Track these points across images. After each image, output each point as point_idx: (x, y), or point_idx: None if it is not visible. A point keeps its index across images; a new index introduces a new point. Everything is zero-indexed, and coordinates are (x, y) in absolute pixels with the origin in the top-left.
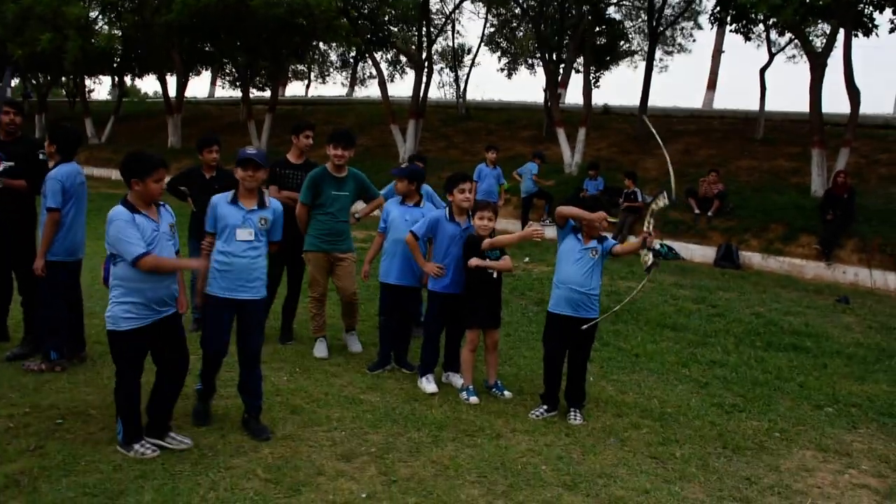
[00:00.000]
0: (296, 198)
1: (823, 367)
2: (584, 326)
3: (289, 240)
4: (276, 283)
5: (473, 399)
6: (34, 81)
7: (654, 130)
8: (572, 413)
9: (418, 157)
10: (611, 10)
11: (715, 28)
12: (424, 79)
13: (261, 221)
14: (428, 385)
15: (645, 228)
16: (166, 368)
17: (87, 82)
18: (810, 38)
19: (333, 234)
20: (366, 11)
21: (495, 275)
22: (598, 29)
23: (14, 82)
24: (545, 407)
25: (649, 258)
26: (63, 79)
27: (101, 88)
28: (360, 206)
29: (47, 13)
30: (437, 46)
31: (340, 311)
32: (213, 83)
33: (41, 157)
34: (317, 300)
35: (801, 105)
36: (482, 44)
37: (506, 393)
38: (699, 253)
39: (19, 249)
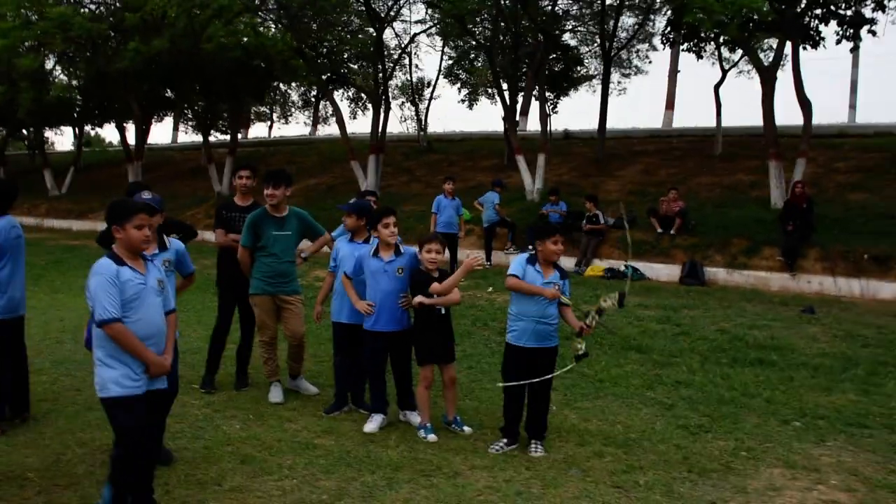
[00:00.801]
0: None
1: (790, 381)
2: (549, 376)
3: (240, 283)
4: (225, 329)
5: (431, 437)
6: None
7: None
8: (533, 445)
9: (369, 192)
10: (566, 37)
11: (668, 48)
12: (383, 114)
13: (164, 263)
14: (368, 425)
15: (586, 321)
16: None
17: (48, 133)
18: (759, 52)
19: (278, 275)
20: (323, 51)
21: (443, 310)
22: (553, 56)
23: None
24: (505, 440)
25: (581, 348)
26: (24, 131)
27: (63, 139)
28: (306, 244)
29: (0, 66)
30: (395, 81)
31: (287, 354)
32: (175, 129)
33: None
34: (267, 344)
35: (758, 119)
36: (440, 76)
37: (465, 428)
38: (664, 272)
39: None
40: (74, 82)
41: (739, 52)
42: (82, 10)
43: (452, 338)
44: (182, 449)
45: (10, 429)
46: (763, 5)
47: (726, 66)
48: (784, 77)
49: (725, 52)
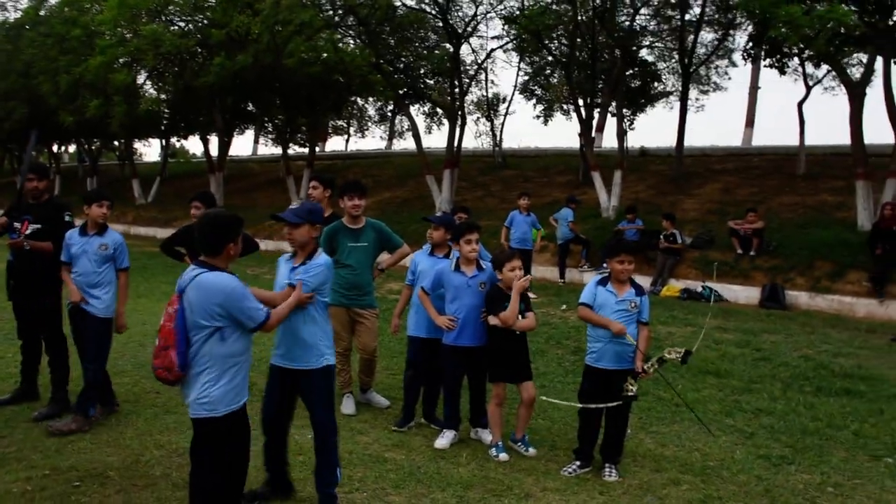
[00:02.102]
0: None
1: (880, 413)
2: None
3: None
4: None
5: (503, 456)
6: (86, 147)
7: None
8: (607, 469)
9: (462, 208)
10: (643, 52)
11: (749, 64)
12: (458, 129)
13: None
14: (440, 440)
15: (646, 365)
16: None
17: (137, 145)
18: (847, 67)
19: (353, 287)
20: (401, 66)
21: (517, 332)
22: (630, 71)
23: (72, 148)
24: (578, 463)
25: (633, 390)
26: (115, 143)
27: (150, 151)
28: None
29: (97, 81)
30: (471, 96)
31: (358, 367)
32: (255, 141)
33: (67, 219)
34: (341, 355)
35: (844, 138)
36: (516, 92)
37: (530, 450)
38: (743, 294)
39: (44, 311)
40: (163, 96)
41: (825, 67)
42: (172, 28)
43: (527, 356)
44: (254, 456)
45: (92, 427)
46: (852, 18)
47: (811, 83)
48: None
49: (810, 68)
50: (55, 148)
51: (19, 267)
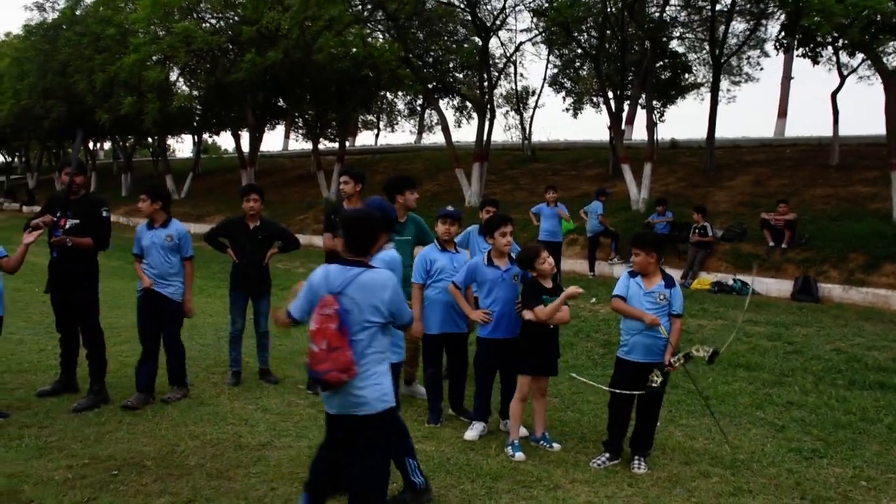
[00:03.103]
0: None
1: None
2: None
3: None
4: None
5: (519, 455)
6: (120, 143)
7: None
8: (636, 461)
9: (491, 201)
10: (673, 44)
11: (781, 54)
12: (487, 122)
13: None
14: (469, 432)
15: (674, 359)
16: None
17: (170, 141)
18: (883, 56)
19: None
20: (430, 60)
21: (552, 325)
22: (660, 63)
23: (107, 145)
24: (607, 455)
25: (657, 381)
26: (149, 139)
27: (183, 147)
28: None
29: (131, 78)
30: (500, 90)
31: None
32: (286, 136)
33: (104, 214)
34: None
35: (879, 128)
36: (545, 85)
37: (555, 445)
38: (775, 287)
39: (84, 304)
40: (195, 93)
41: (860, 56)
42: (204, 25)
43: (558, 351)
44: (286, 447)
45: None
46: (888, 5)
47: (845, 72)
48: None
49: (844, 57)
50: (91, 145)
51: (58, 261)
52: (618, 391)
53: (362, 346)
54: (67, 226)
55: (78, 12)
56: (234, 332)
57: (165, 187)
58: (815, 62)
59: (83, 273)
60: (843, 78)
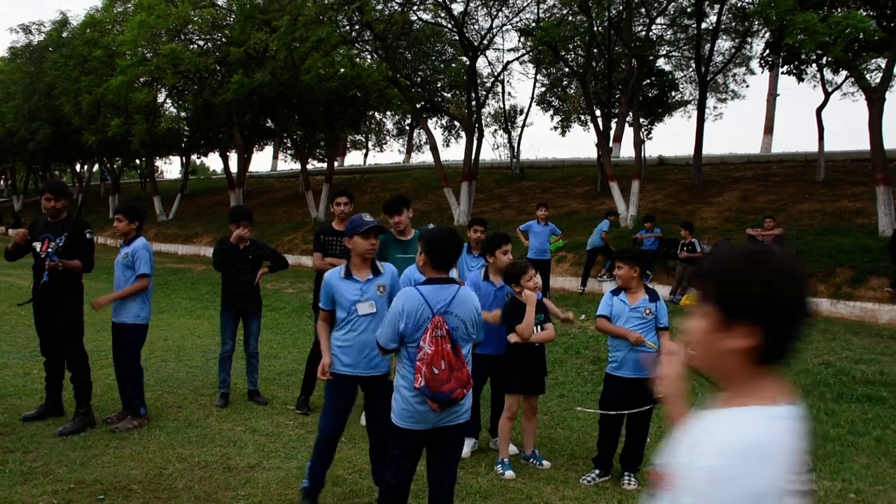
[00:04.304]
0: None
1: None
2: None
3: None
4: None
5: (509, 473)
6: (108, 165)
7: None
8: (627, 477)
9: (479, 220)
10: (660, 62)
11: (767, 72)
12: (476, 141)
13: (378, 289)
14: None
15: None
16: None
17: (158, 162)
18: (866, 73)
19: None
20: (417, 80)
21: (536, 344)
22: (647, 81)
23: (94, 168)
24: (597, 471)
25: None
26: (137, 161)
27: (171, 168)
28: None
29: (118, 100)
30: (488, 109)
31: None
32: (275, 157)
33: (88, 236)
34: None
35: (863, 143)
36: (533, 103)
37: (544, 463)
38: None
39: (68, 324)
40: (183, 114)
41: (844, 73)
42: (191, 47)
43: (544, 369)
44: (275, 468)
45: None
46: (870, 24)
47: (829, 89)
48: (893, 98)
49: (828, 74)
50: (77, 167)
51: (46, 284)
52: (626, 412)
53: (467, 359)
54: (50, 248)
55: (64, 34)
56: (223, 353)
57: (140, 207)
58: (800, 79)
59: (65, 293)
60: (827, 94)
